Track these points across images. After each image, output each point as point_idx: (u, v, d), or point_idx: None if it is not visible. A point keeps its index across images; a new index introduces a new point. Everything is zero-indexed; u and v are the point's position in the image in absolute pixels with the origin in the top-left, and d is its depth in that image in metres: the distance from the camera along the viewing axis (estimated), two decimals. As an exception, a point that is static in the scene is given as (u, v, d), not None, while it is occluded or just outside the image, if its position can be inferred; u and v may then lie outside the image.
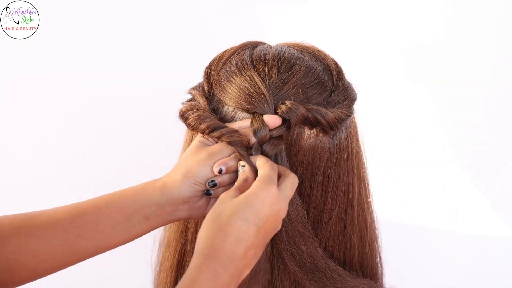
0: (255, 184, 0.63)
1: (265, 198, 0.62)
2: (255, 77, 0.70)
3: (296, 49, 0.76)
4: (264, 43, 0.79)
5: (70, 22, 1.27)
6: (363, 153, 0.80)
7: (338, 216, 0.76)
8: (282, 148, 0.70)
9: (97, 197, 0.70)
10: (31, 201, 1.26)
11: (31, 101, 1.26)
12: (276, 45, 0.78)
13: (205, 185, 0.68)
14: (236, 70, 0.72)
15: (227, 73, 0.73)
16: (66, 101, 1.27)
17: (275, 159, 0.70)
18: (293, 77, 0.71)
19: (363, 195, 0.79)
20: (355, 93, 0.75)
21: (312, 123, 0.69)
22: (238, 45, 0.78)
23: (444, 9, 1.31)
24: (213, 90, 0.74)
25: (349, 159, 0.75)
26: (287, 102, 0.68)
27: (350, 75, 0.78)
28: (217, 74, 0.74)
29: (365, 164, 0.80)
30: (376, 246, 0.84)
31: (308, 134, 0.71)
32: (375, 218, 0.83)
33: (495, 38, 1.32)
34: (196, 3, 1.31)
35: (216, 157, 0.68)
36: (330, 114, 0.69)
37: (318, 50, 0.77)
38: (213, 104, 0.73)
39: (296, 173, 0.70)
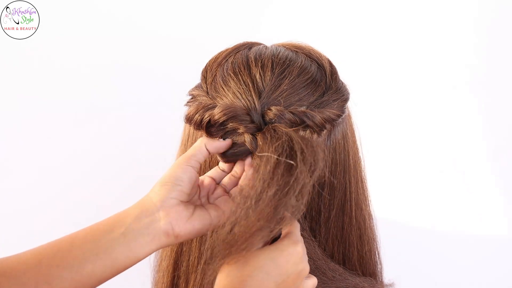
0: (282, 240, 0.62)
1: (290, 256, 0.61)
2: (250, 84, 0.70)
3: (291, 50, 0.76)
4: (260, 44, 0.79)
5: (70, 22, 1.27)
6: (360, 152, 0.80)
7: (336, 216, 0.76)
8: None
9: (56, 241, 0.63)
10: (31, 205, 1.27)
11: (31, 101, 1.27)
12: (272, 45, 0.78)
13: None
14: (232, 73, 0.72)
15: (223, 75, 0.73)
16: (66, 101, 1.28)
17: None
18: (286, 78, 0.70)
19: (361, 194, 0.79)
20: (348, 93, 0.74)
21: (301, 126, 0.68)
22: (234, 46, 0.77)
23: (441, 9, 1.30)
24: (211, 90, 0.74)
25: (345, 159, 0.74)
26: (273, 108, 0.67)
27: (348, 75, 0.78)
28: (213, 75, 0.74)
29: (363, 163, 0.80)
30: (375, 245, 0.84)
31: (303, 136, 0.70)
32: (373, 216, 0.83)
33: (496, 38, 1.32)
34: (194, 3, 1.31)
35: (194, 157, 0.67)
36: (318, 116, 0.68)
37: (313, 50, 0.77)
38: None
39: None
